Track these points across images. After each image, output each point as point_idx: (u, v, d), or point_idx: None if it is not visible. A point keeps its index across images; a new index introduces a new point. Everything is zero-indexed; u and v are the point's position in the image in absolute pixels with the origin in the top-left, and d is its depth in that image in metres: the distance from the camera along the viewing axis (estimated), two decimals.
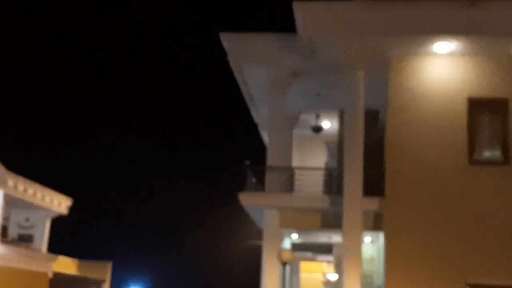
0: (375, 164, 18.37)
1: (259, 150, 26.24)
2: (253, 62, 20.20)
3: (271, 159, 20.01)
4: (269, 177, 19.45)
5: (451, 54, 18.31)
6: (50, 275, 29.04)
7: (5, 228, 29.79)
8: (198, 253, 50.16)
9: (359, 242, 17.72)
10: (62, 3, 62.13)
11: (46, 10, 62.60)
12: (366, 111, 18.76)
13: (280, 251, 19.13)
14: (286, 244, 21.14)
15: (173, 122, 62.49)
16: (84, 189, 50.02)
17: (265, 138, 24.67)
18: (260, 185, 19.62)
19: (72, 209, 34.07)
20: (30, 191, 29.20)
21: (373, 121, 20.34)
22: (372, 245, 20.72)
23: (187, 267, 50.57)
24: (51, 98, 57.39)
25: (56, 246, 32.94)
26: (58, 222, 33.57)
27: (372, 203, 18.00)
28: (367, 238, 19.87)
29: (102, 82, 60.50)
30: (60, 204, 32.63)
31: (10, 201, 27.76)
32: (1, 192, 25.10)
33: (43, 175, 32.08)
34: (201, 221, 50.55)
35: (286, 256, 19.07)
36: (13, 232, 30.86)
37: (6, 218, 29.53)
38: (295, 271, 25.66)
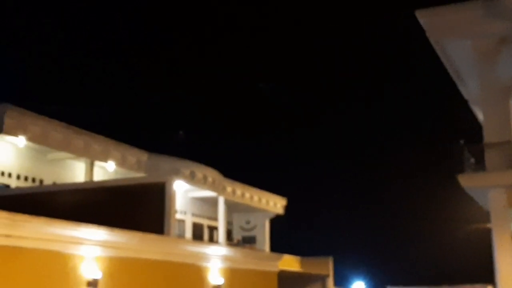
0: None
1: (472, 127, 24.66)
2: (455, 35, 19.06)
3: (489, 135, 18.56)
4: (489, 155, 18.08)
5: None
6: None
7: (229, 232, 31.64)
8: (419, 241, 48.46)
9: None
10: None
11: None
12: None
13: None
14: None
15: (378, 109, 61.07)
16: (297, 187, 51.38)
17: (479, 113, 23.08)
18: (479, 164, 18.34)
19: (287, 208, 35.19)
20: (247, 195, 30.70)
21: None
22: None
23: (410, 257, 49.13)
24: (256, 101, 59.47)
25: (276, 245, 34.13)
26: (276, 222, 34.89)
27: None
28: None
29: (308, 79, 60.99)
30: (276, 204, 33.85)
31: (230, 206, 29.41)
32: (222, 198, 26.58)
33: (257, 178, 33.47)
34: (418, 208, 48.79)
35: None
36: (236, 234, 32.72)
37: (229, 222, 31.36)
38: None
